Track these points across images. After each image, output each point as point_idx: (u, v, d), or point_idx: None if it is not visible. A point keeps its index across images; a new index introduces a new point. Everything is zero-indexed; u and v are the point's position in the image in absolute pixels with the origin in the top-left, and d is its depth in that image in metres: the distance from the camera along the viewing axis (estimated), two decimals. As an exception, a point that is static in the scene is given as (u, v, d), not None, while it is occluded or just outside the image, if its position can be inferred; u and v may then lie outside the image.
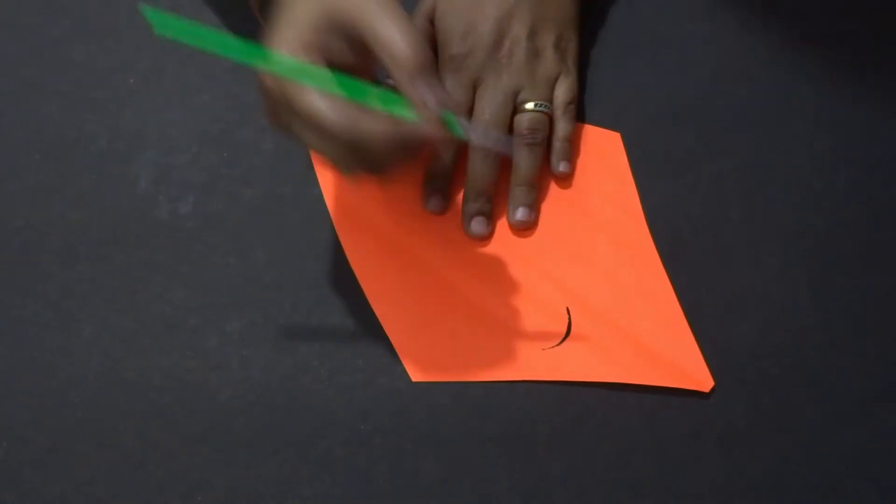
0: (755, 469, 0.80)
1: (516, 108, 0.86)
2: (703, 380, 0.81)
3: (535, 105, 0.85)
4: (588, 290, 0.84)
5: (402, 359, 0.82)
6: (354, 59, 0.70)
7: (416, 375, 0.82)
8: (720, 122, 0.89)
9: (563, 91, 0.87)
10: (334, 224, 0.86)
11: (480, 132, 0.79)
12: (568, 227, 0.86)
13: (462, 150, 0.85)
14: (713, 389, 0.81)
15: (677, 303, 0.83)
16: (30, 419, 0.80)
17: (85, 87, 0.89)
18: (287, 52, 0.68)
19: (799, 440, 0.80)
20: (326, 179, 0.87)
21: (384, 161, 0.69)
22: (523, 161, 0.85)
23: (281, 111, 0.71)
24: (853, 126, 0.89)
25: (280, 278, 0.84)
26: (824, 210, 0.86)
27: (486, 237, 0.85)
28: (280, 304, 0.84)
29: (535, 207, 0.86)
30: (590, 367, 0.82)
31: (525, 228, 0.86)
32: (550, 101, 0.86)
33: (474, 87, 0.86)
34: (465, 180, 0.85)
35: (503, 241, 0.85)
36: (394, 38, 0.68)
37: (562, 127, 0.87)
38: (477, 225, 0.85)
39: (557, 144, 0.87)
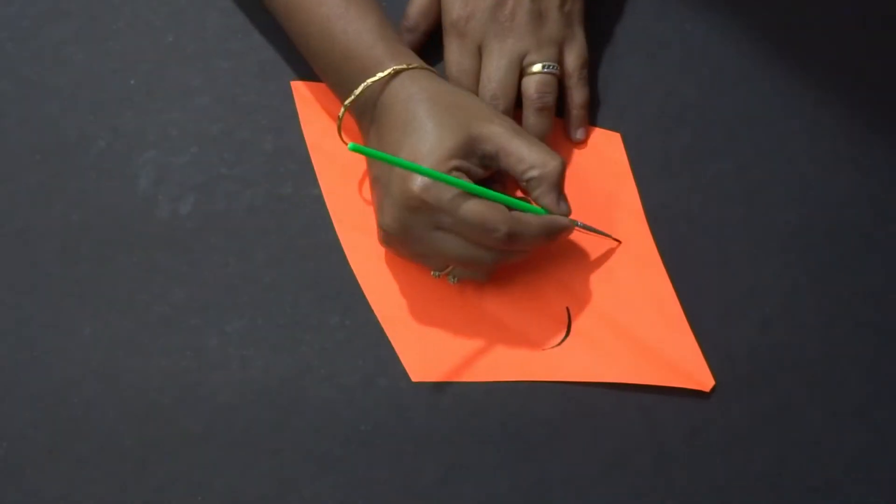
0: (755, 469, 0.80)
1: (523, 71, 0.86)
2: (703, 379, 0.81)
3: (543, 66, 0.85)
4: (588, 290, 0.84)
5: (402, 359, 0.82)
6: (483, 174, 0.79)
7: (416, 375, 0.82)
8: (720, 122, 0.89)
9: (573, 56, 0.87)
10: (334, 224, 0.86)
11: (581, 225, 0.83)
12: (568, 227, 0.86)
13: None
14: (713, 389, 0.81)
15: (678, 302, 0.83)
16: (30, 419, 0.80)
17: (86, 88, 0.90)
18: (439, 169, 0.76)
19: (799, 440, 0.80)
20: (326, 179, 0.87)
21: (531, 247, 0.79)
22: (533, 126, 0.85)
23: (422, 221, 0.77)
24: (853, 126, 0.89)
25: (280, 278, 0.84)
26: (824, 210, 0.86)
27: None
28: (280, 304, 0.84)
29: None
30: (590, 367, 0.82)
31: None
32: (558, 62, 0.86)
33: (479, 51, 0.86)
34: None
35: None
36: (533, 155, 0.78)
37: (577, 94, 0.87)
38: None
39: (574, 112, 0.87)
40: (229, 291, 0.84)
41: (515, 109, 0.86)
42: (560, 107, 0.88)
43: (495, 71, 0.85)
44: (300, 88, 0.89)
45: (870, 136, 0.88)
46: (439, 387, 0.82)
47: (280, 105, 0.89)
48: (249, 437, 0.80)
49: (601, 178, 0.87)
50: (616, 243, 0.85)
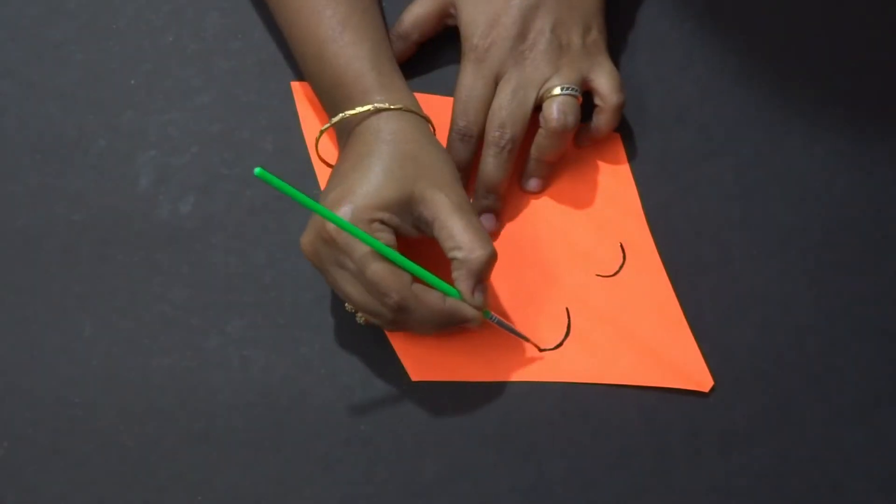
0: (755, 469, 0.80)
1: (542, 98, 0.84)
2: (703, 380, 0.81)
3: (562, 89, 0.83)
4: (588, 290, 0.84)
5: (402, 359, 0.82)
6: (412, 235, 0.78)
7: (416, 375, 0.82)
8: (720, 122, 0.89)
9: (606, 81, 0.85)
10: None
11: (497, 322, 0.81)
12: (568, 228, 0.86)
13: (477, 146, 0.85)
14: (713, 389, 0.81)
15: (677, 303, 0.83)
16: (30, 419, 0.80)
17: (86, 88, 0.90)
18: (359, 217, 0.75)
19: (799, 440, 0.80)
20: (326, 179, 0.87)
21: (424, 325, 0.78)
22: (547, 148, 0.84)
23: (329, 255, 0.76)
24: (853, 126, 0.89)
25: (280, 278, 0.84)
26: (824, 210, 0.86)
27: (493, 233, 0.85)
28: (280, 304, 0.84)
29: (548, 181, 0.86)
30: (590, 368, 0.82)
31: (535, 195, 0.86)
32: (580, 87, 0.84)
33: (496, 80, 0.85)
34: (477, 177, 0.85)
35: (503, 242, 0.85)
36: (465, 238, 0.76)
37: (609, 120, 0.85)
38: (485, 221, 0.85)
39: (599, 134, 0.85)
40: (229, 291, 0.84)
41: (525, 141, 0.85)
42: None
43: (508, 99, 0.84)
44: (300, 88, 0.89)
45: (870, 136, 0.88)
46: (439, 387, 0.82)
47: (280, 105, 0.89)
48: (249, 437, 0.80)
49: (601, 178, 0.87)
50: (536, 349, 0.82)
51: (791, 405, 0.81)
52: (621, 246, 0.85)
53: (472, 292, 0.77)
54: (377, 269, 0.75)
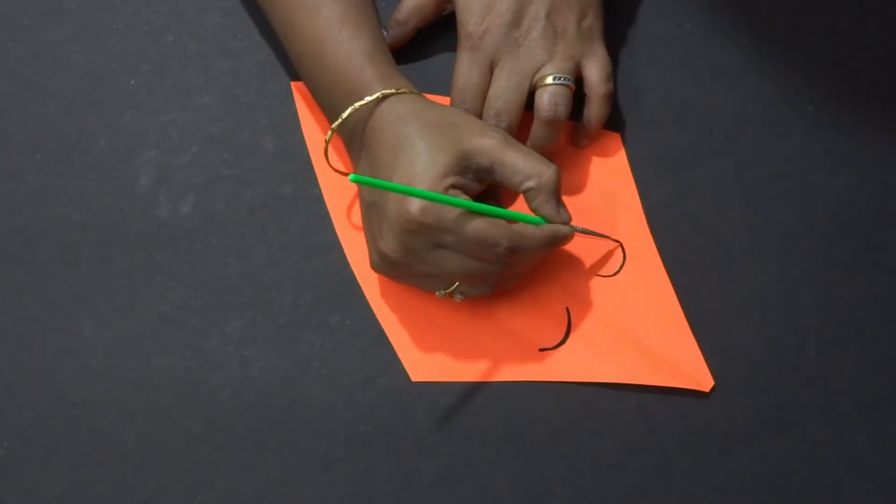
0: (755, 469, 0.80)
1: (535, 85, 0.84)
2: (703, 380, 0.81)
3: (555, 78, 0.83)
4: (588, 290, 0.84)
5: (402, 359, 0.82)
6: (479, 188, 0.79)
7: (416, 375, 0.82)
8: (720, 122, 0.89)
9: (596, 69, 0.85)
10: (334, 224, 0.86)
11: (582, 231, 0.83)
12: (568, 227, 0.86)
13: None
14: (713, 389, 0.81)
15: (677, 302, 0.83)
16: (30, 419, 0.80)
17: (86, 88, 0.90)
18: (433, 191, 0.76)
19: (799, 440, 0.80)
20: (326, 179, 0.87)
21: (535, 258, 0.79)
22: (540, 139, 0.84)
23: (422, 242, 0.76)
24: (853, 126, 0.89)
25: (280, 278, 0.84)
26: (824, 210, 0.86)
27: None
28: (280, 304, 0.84)
29: None
30: (590, 368, 0.82)
31: None
32: (573, 76, 0.84)
33: (491, 67, 0.85)
34: None
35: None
36: (528, 165, 0.78)
37: (600, 109, 0.85)
38: None
39: (591, 126, 0.86)
40: (229, 291, 0.84)
41: (522, 127, 0.85)
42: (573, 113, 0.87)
43: (503, 87, 0.84)
44: (300, 88, 0.89)
45: (870, 136, 0.88)
46: (439, 387, 0.82)
47: (280, 105, 0.89)
48: (249, 437, 0.80)
49: (601, 178, 0.87)
50: (616, 244, 0.85)
51: (791, 405, 0.81)
52: (621, 246, 0.85)
53: (558, 211, 0.79)
54: (479, 224, 0.76)
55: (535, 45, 0.84)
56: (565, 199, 0.86)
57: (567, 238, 0.80)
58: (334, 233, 0.85)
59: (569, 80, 0.84)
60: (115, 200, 0.86)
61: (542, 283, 0.84)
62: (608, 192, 0.87)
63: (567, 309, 0.83)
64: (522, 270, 0.81)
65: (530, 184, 0.78)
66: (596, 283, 0.84)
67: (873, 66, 0.90)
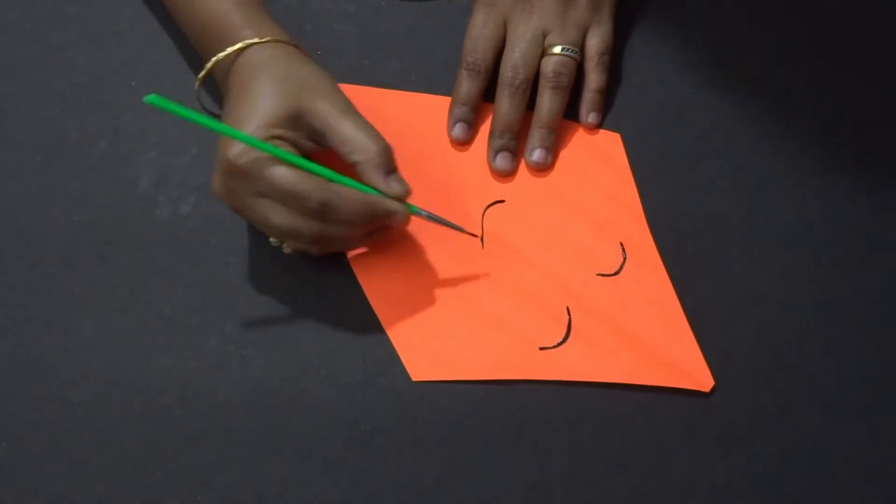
0: (755, 469, 0.80)
1: (544, 51, 0.87)
2: (703, 379, 0.81)
3: (562, 49, 0.87)
4: (588, 290, 0.84)
5: (402, 359, 0.82)
6: (311, 149, 0.80)
7: (416, 375, 0.82)
8: (720, 122, 0.89)
9: (596, 40, 0.88)
10: (334, 224, 0.86)
11: (425, 215, 0.82)
12: (568, 227, 0.86)
13: (491, 86, 0.88)
14: (713, 389, 0.81)
15: (678, 302, 0.83)
16: (30, 419, 0.80)
17: (86, 90, 0.90)
18: (257, 136, 0.77)
19: (799, 440, 0.80)
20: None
21: (350, 224, 0.78)
22: (546, 104, 0.87)
23: (242, 187, 0.77)
24: (853, 126, 0.89)
25: (280, 278, 0.84)
26: (824, 210, 0.86)
27: (510, 173, 0.87)
28: (280, 304, 0.84)
29: (552, 150, 0.87)
30: (590, 367, 0.82)
31: (541, 170, 0.87)
32: (580, 47, 0.88)
33: (504, 24, 0.88)
34: (493, 117, 0.87)
35: (504, 241, 0.85)
36: (357, 137, 0.78)
37: (594, 78, 0.88)
38: (501, 160, 0.87)
39: (588, 95, 0.88)
40: (229, 291, 0.84)
41: (522, 128, 0.88)
42: (577, 93, 0.89)
43: (519, 42, 0.87)
44: (300, 89, 0.89)
45: (870, 136, 0.88)
46: (439, 387, 0.82)
47: (280, 106, 0.89)
48: (249, 437, 0.80)
49: (601, 178, 0.87)
50: (474, 236, 0.85)
51: (791, 405, 0.81)
52: (621, 245, 0.85)
53: (387, 184, 0.79)
54: (289, 176, 0.76)
55: (547, 9, 0.87)
56: (564, 200, 0.86)
57: (395, 213, 0.79)
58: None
59: (575, 51, 0.87)
60: (115, 201, 0.86)
61: (542, 282, 0.84)
62: (608, 192, 0.87)
63: (568, 308, 0.83)
64: (349, 235, 0.80)
65: (356, 157, 0.78)
66: (596, 283, 0.84)
67: (873, 65, 0.90)
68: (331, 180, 0.78)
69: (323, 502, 0.79)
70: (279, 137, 0.78)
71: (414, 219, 0.84)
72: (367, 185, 0.79)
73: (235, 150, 0.76)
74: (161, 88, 0.89)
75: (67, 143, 0.88)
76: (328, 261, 0.84)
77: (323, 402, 0.81)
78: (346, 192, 0.77)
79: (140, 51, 0.91)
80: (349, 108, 0.80)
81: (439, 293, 0.84)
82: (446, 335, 0.82)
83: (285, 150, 0.77)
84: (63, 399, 0.81)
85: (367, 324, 0.83)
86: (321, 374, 0.82)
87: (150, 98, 0.71)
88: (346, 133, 0.78)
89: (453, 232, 0.84)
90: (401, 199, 0.79)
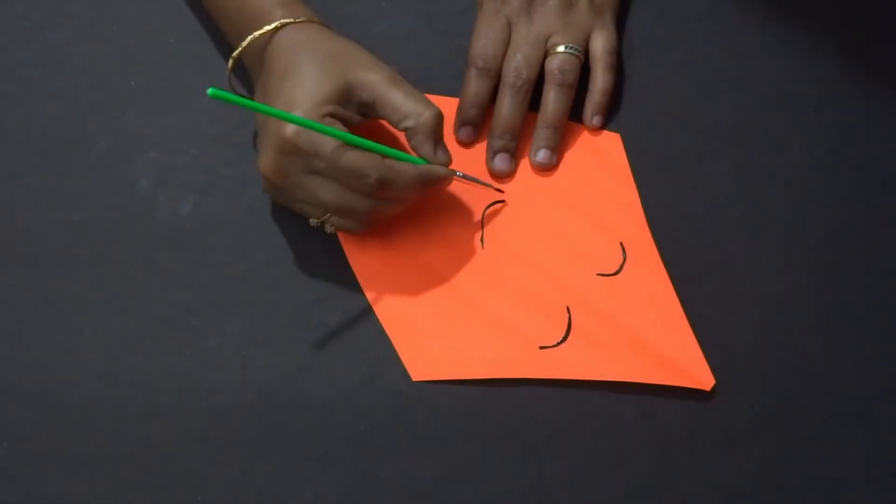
0: (755, 469, 0.80)
1: (547, 52, 0.88)
2: (704, 378, 0.81)
3: (566, 48, 0.87)
4: (588, 290, 0.84)
5: (402, 359, 0.82)
6: (360, 122, 0.81)
7: (416, 375, 0.82)
8: (720, 122, 0.89)
9: (601, 42, 0.89)
10: (334, 224, 0.86)
11: (462, 176, 0.85)
12: (568, 227, 0.86)
13: (493, 84, 0.88)
14: (713, 389, 0.81)
15: (678, 302, 0.83)
16: (30, 419, 0.80)
17: (86, 90, 0.90)
18: (311, 117, 0.78)
19: (799, 440, 0.80)
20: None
21: (406, 195, 0.80)
22: (551, 103, 0.87)
23: (296, 165, 0.78)
24: (853, 126, 0.89)
25: (280, 278, 0.84)
26: (824, 210, 0.86)
27: (509, 174, 0.87)
28: (280, 304, 0.84)
29: (557, 150, 0.88)
30: (590, 367, 0.82)
31: (545, 170, 0.87)
32: (582, 48, 0.88)
33: (510, 28, 0.88)
34: (493, 118, 0.87)
35: (504, 241, 0.85)
36: (407, 104, 0.80)
37: (600, 78, 0.88)
38: (500, 161, 0.87)
39: (594, 97, 0.89)
40: (229, 291, 0.84)
41: (523, 128, 0.88)
42: (580, 95, 0.89)
43: (522, 44, 0.87)
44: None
45: (870, 136, 0.88)
46: (439, 386, 0.82)
47: (280, 106, 0.89)
48: (249, 437, 0.80)
49: (601, 178, 0.87)
50: (501, 193, 0.86)
51: (791, 405, 0.81)
52: (621, 245, 0.85)
53: (435, 152, 0.81)
54: (350, 154, 0.77)
55: (550, 12, 0.88)
56: (564, 200, 0.86)
57: (443, 180, 0.81)
58: (334, 233, 0.85)
59: (578, 50, 0.88)
60: (115, 201, 0.86)
61: (542, 282, 0.84)
62: (608, 192, 0.87)
63: (568, 308, 0.83)
64: (395, 209, 0.81)
65: (409, 123, 0.80)
66: (596, 282, 0.84)
67: (873, 65, 0.90)
68: (382, 153, 0.79)
69: (323, 502, 0.79)
70: (331, 115, 0.78)
71: (414, 219, 0.84)
72: (416, 151, 0.80)
73: (293, 129, 0.77)
74: (160, 88, 0.89)
75: (67, 143, 0.88)
76: (328, 261, 0.84)
77: (323, 402, 0.81)
78: (401, 166, 0.79)
79: (140, 51, 0.91)
80: (396, 77, 0.81)
81: (439, 293, 0.84)
82: (446, 335, 0.82)
83: (338, 128, 0.77)
84: (63, 399, 0.81)
85: (367, 324, 0.83)
86: (321, 374, 0.82)
87: (212, 91, 0.72)
88: (396, 101, 0.79)
89: (454, 232, 0.85)
90: (446, 166, 0.81)
